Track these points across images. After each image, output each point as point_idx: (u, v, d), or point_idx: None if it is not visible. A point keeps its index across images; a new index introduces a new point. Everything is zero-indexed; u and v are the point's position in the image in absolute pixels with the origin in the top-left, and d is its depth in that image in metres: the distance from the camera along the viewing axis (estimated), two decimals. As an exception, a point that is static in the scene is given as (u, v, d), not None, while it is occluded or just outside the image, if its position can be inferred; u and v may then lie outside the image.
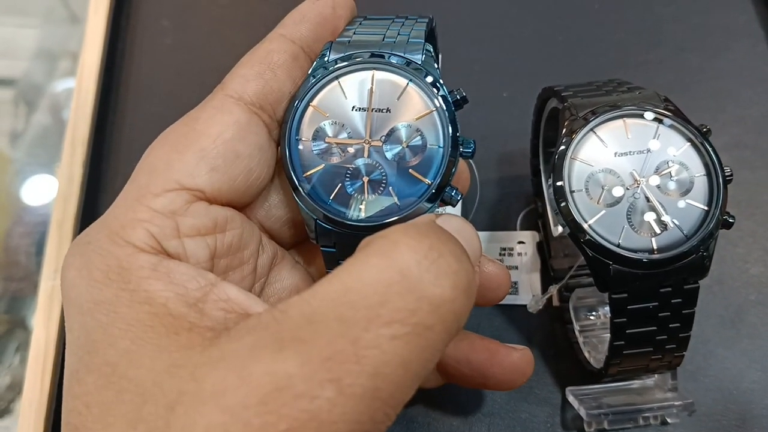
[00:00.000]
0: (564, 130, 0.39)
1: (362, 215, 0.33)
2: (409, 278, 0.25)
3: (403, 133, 0.34)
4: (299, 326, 0.24)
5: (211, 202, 0.32)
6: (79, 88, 0.59)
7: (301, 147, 0.34)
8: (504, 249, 0.52)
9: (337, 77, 0.35)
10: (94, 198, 0.56)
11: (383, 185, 0.34)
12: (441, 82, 0.34)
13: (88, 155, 0.56)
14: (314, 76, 0.34)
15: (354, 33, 0.36)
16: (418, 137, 0.34)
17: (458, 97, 0.34)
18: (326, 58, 0.35)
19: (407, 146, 0.34)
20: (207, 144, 0.31)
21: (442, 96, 0.34)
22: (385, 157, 0.34)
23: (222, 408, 0.23)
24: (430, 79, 0.34)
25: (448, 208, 0.37)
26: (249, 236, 0.34)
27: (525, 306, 0.47)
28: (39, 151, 0.68)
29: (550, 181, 0.38)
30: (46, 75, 0.74)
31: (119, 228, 0.29)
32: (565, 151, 0.38)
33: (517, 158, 0.55)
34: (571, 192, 0.38)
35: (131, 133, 0.60)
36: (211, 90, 0.34)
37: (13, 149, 0.69)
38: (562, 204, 0.38)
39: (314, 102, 0.34)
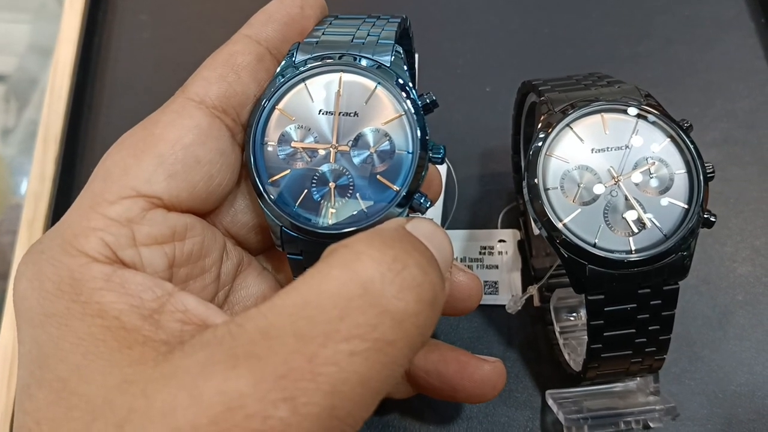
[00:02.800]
0: (540, 125, 0.38)
1: (329, 222, 0.32)
2: (371, 292, 0.24)
3: (371, 138, 0.33)
4: (254, 341, 0.23)
5: (170, 209, 0.30)
6: (52, 85, 0.57)
7: (266, 151, 0.33)
8: (484, 248, 0.50)
9: (303, 79, 0.34)
10: (67, 197, 0.54)
11: (350, 191, 0.33)
12: (410, 85, 0.33)
13: (61, 153, 0.55)
14: (282, 76, 0.33)
15: (323, 33, 0.35)
16: (387, 142, 0.33)
17: (428, 101, 0.33)
18: (293, 59, 0.34)
19: (375, 151, 0.33)
20: (165, 149, 0.30)
21: (411, 100, 0.33)
22: (353, 163, 0.33)
23: (171, 428, 0.22)
24: (399, 82, 0.33)
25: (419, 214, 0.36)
26: (211, 243, 0.33)
27: (505, 306, 0.45)
28: (30, 148, 0.67)
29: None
30: (38, 70, 0.73)
31: (72, 237, 0.28)
32: (540, 148, 0.37)
33: (499, 155, 0.53)
34: (546, 190, 0.36)
35: (106, 130, 0.59)
36: None
37: (4, 145, 0.68)
38: (537, 202, 0.36)
39: (280, 105, 0.33)
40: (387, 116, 0.33)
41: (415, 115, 0.33)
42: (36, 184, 0.53)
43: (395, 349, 0.24)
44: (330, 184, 0.33)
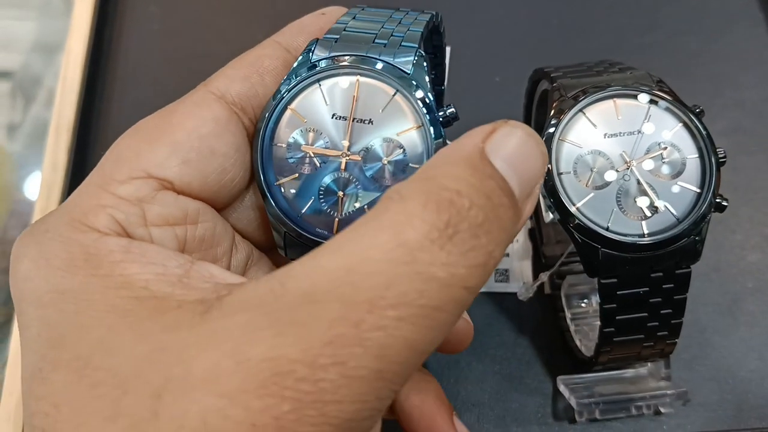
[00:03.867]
0: (552, 111, 0.38)
1: (333, 232, 0.31)
2: (419, 260, 0.23)
3: (384, 148, 0.31)
4: (298, 306, 0.22)
5: (180, 194, 0.30)
6: (64, 76, 0.58)
7: (275, 152, 0.32)
8: (495, 236, 0.50)
9: (318, 80, 0.32)
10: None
11: (359, 202, 0.31)
12: (430, 96, 0.31)
13: (74, 143, 0.55)
14: (296, 74, 0.32)
15: (344, 29, 0.33)
16: (401, 154, 0.31)
17: (448, 113, 0.31)
18: (310, 56, 0.32)
19: (388, 163, 0.31)
20: (181, 137, 0.29)
21: (430, 111, 0.31)
22: (363, 173, 0.31)
23: (216, 394, 0.22)
24: (419, 93, 0.31)
25: None
26: (222, 233, 0.32)
27: (515, 294, 0.46)
28: (36, 144, 0.68)
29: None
30: (44, 67, 0.73)
31: (81, 214, 0.27)
32: (553, 133, 0.37)
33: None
34: (559, 174, 0.37)
35: (118, 120, 0.59)
36: (199, 76, 0.32)
37: (10, 142, 0.68)
38: (550, 187, 0.36)
39: (293, 105, 0.32)
40: (403, 126, 0.31)
41: (432, 128, 0.31)
42: (49, 173, 0.54)
43: (442, 313, 0.23)
44: (339, 193, 0.31)
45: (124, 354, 0.24)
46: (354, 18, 0.34)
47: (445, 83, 0.47)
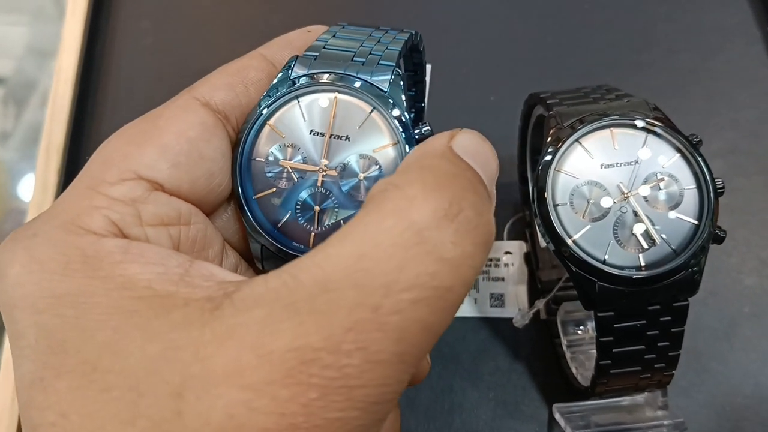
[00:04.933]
0: (549, 139, 0.38)
1: (309, 246, 0.32)
2: (428, 240, 0.23)
3: (360, 164, 0.32)
4: (313, 295, 0.23)
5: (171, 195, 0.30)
6: (54, 94, 0.57)
7: (253, 166, 0.32)
8: (490, 260, 0.50)
9: (297, 97, 0.32)
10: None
11: (335, 217, 0.32)
12: (406, 115, 0.32)
13: (64, 163, 0.54)
14: (276, 91, 0.32)
15: (324, 47, 0.34)
16: (377, 170, 0.32)
17: (423, 131, 0.32)
18: (290, 72, 0.33)
19: (364, 179, 0.32)
20: (170, 140, 0.29)
21: (405, 129, 0.32)
22: (340, 188, 0.32)
23: (240, 386, 0.21)
24: (396, 111, 0.32)
25: None
26: (213, 235, 0.32)
27: (511, 319, 0.45)
28: (28, 150, 0.67)
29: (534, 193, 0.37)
30: (36, 73, 0.73)
31: (74, 216, 0.26)
32: (549, 162, 0.37)
33: (505, 165, 0.52)
34: (555, 206, 0.36)
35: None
36: None
37: (2, 148, 0.68)
38: (546, 219, 0.36)
39: (271, 120, 0.32)
40: (379, 143, 0.32)
41: (407, 146, 0.32)
42: (39, 195, 0.53)
43: (453, 294, 0.24)
44: (315, 208, 0.32)
45: (135, 355, 0.23)
46: (334, 36, 0.35)
47: (426, 100, 0.47)
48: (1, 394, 0.46)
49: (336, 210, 0.32)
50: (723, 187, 0.37)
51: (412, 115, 0.35)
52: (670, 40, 0.60)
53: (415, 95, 0.44)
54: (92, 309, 0.24)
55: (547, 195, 0.36)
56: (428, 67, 0.45)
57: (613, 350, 0.37)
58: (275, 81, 0.33)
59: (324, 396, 0.22)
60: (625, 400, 0.44)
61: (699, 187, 0.37)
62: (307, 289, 0.23)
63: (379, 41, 0.34)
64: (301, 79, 0.32)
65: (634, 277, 0.35)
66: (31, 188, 0.54)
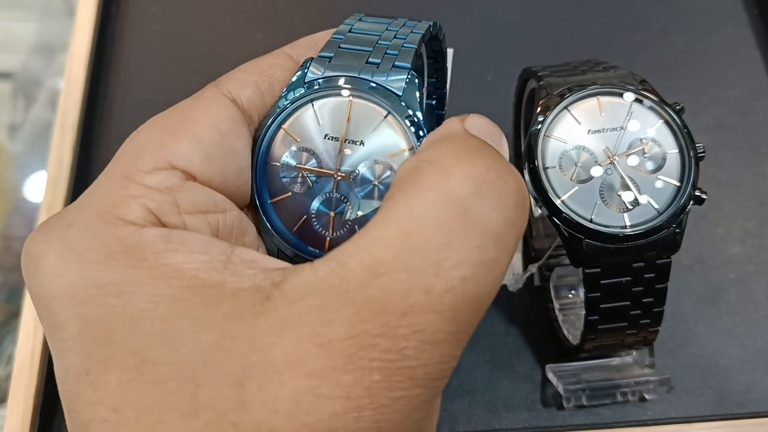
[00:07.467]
0: (539, 108, 0.40)
1: (325, 251, 0.31)
2: (471, 210, 0.23)
3: (375, 170, 0.31)
4: (365, 282, 0.23)
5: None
6: (69, 76, 0.59)
7: (269, 171, 0.32)
8: (486, 229, 0.52)
9: (311, 100, 0.32)
10: (84, 183, 0.56)
11: (349, 222, 0.32)
12: (420, 117, 0.32)
13: (78, 140, 0.57)
14: (291, 94, 0.32)
15: (338, 47, 0.33)
16: (391, 176, 0.31)
17: None
18: (305, 75, 0.32)
19: (379, 184, 0.31)
20: (202, 131, 0.28)
21: (420, 134, 0.32)
22: (355, 193, 0.32)
23: (305, 374, 0.22)
24: (409, 113, 0.31)
25: None
26: (247, 224, 0.31)
27: (506, 286, 0.47)
28: (37, 144, 0.69)
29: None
30: (44, 68, 0.75)
31: (110, 206, 0.26)
32: (539, 129, 0.39)
33: (501, 140, 0.55)
34: (545, 168, 0.38)
35: (121, 119, 0.61)
36: (200, 75, 0.32)
37: (11, 142, 0.70)
38: (536, 181, 0.38)
39: (286, 125, 0.32)
40: (394, 149, 0.32)
41: None
42: (54, 170, 0.55)
43: (499, 265, 0.24)
44: (330, 213, 0.32)
45: (188, 345, 0.23)
46: (350, 30, 0.34)
47: (447, 86, 0.48)
48: (19, 352, 0.49)
49: (351, 215, 0.32)
50: (704, 152, 0.39)
51: (434, 102, 0.36)
52: (663, 22, 0.62)
53: (436, 81, 0.44)
54: (138, 298, 0.24)
55: (538, 158, 0.38)
56: (449, 51, 0.46)
57: (601, 306, 0.39)
58: (291, 83, 0.32)
59: (386, 378, 0.22)
60: (615, 360, 0.46)
61: (681, 151, 0.39)
62: (357, 275, 0.23)
63: (395, 36, 0.34)
64: (316, 82, 0.32)
65: (620, 235, 0.37)
66: (46, 166, 0.56)
